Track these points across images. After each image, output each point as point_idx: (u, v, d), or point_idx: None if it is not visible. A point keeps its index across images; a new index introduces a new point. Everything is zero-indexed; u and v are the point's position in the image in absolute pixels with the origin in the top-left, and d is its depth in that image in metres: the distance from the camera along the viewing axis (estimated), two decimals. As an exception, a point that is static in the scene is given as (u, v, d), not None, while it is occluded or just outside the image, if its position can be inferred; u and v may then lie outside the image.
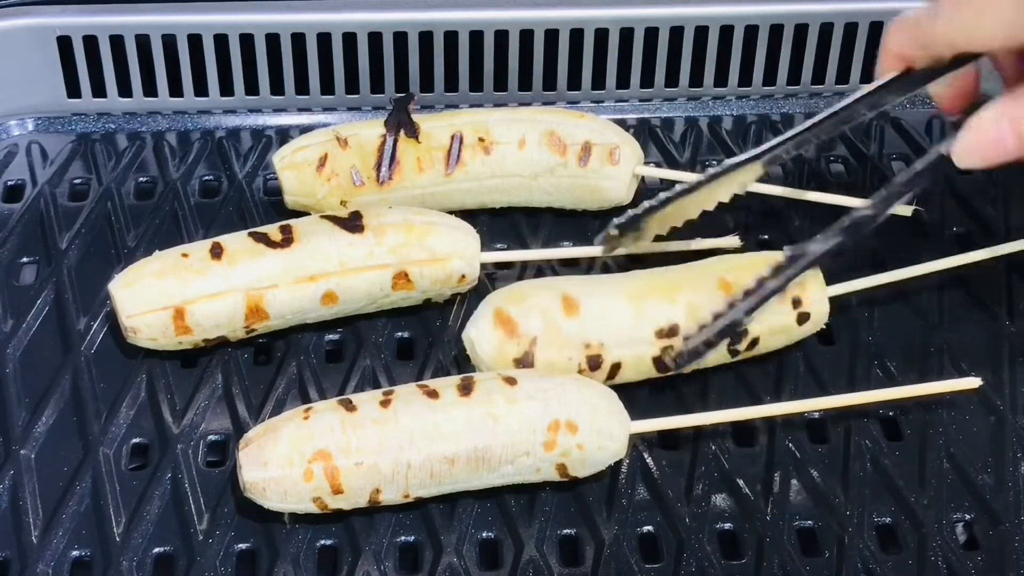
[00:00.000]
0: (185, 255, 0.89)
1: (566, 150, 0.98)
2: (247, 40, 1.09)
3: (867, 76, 1.15)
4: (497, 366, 0.85)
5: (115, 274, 0.91)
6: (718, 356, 0.88)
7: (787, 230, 1.01)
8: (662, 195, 0.89)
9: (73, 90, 1.11)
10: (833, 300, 0.91)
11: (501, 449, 0.80)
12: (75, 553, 0.80)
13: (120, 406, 0.88)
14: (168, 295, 0.87)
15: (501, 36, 1.10)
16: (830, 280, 0.91)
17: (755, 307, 0.84)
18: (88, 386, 0.89)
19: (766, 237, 1.01)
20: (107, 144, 1.09)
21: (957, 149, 0.81)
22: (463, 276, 0.93)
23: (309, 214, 0.95)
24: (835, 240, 0.84)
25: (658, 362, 0.86)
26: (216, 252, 0.88)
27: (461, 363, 0.91)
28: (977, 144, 0.80)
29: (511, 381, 0.82)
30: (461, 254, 0.92)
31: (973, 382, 0.88)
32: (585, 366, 0.85)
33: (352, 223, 0.91)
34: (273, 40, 1.09)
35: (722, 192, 0.89)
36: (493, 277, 0.97)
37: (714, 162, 1.09)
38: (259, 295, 0.88)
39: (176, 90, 1.11)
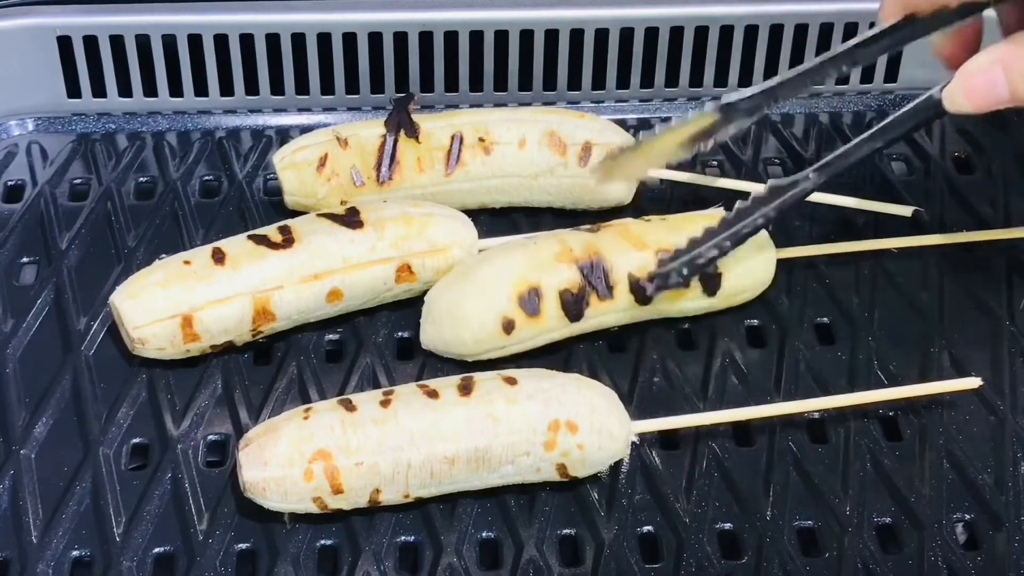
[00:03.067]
0: (187, 262, 0.88)
1: (566, 150, 0.98)
2: (247, 40, 1.09)
3: (867, 76, 1.15)
4: None
5: (115, 281, 0.91)
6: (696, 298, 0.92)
7: (786, 230, 1.01)
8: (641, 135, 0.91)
9: (73, 90, 1.10)
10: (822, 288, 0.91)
11: (501, 449, 0.80)
12: (75, 553, 0.80)
13: (120, 406, 0.88)
14: (175, 303, 0.87)
15: (501, 36, 1.10)
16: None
17: (728, 241, 0.87)
18: (88, 386, 0.89)
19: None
20: (107, 144, 1.09)
21: (948, 92, 0.80)
22: None
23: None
24: (817, 177, 0.87)
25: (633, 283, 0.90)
26: (218, 257, 0.88)
27: (461, 363, 0.91)
28: (968, 88, 0.79)
29: (511, 381, 0.82)
30: (460, 243, 0.93)
31: (973, 382, 0.88)
32: None
33: (350, 219, 0.91)
34: (273, 40, 1.09)
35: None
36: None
37: (714, 162, 1.09)
38: (266, 297, 0.88)
39: (176, 90, 1.11)
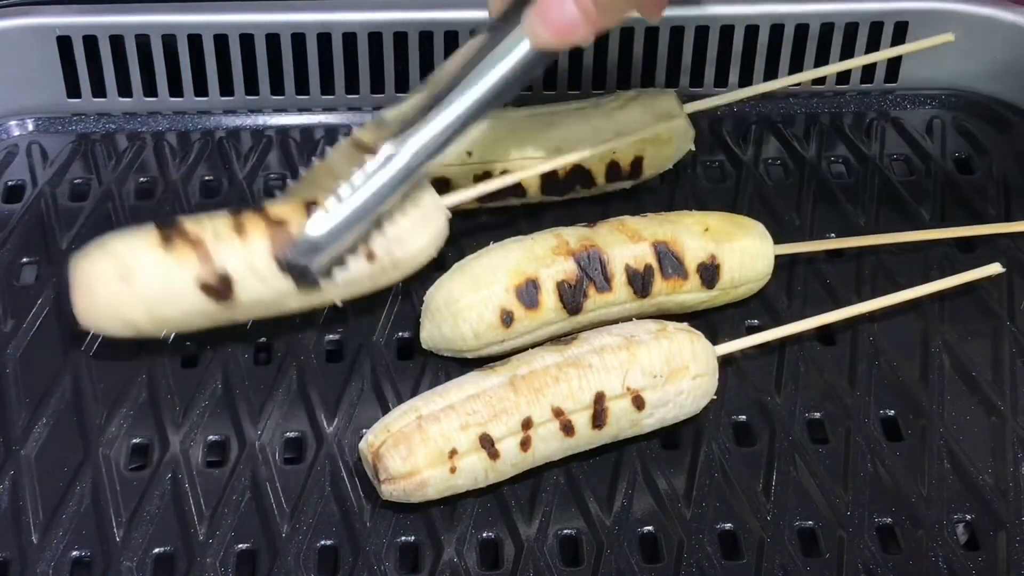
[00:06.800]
0: None
1: None
2: (247, 40, 1.09)
3: (868, 76, 1.15)
4: None
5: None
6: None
7: (785, 227, 1.01)
8: None
9: (73, 90, 1.10)
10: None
11: None
12: (75, 553, 0.80)
13: (120, 406, 0.88)
14: None
15: (501, 36, 1.10)
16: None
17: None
18: (88, 386, 0.89)
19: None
20: (107, 144, 1.09)
21: (527, 28, 0.80)
22: None
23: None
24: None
25: None
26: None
27: (462, 362, 0.91)
28: (544, 21, 0.79)
29: (639, 404, 0.84)
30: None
31: (995, 268, 0.95)
32: None
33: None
34: (273, 40, 1.09)
35: None
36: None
37: (715, 163, 1.09)
38: None
39: (176, 90, 1.11)
